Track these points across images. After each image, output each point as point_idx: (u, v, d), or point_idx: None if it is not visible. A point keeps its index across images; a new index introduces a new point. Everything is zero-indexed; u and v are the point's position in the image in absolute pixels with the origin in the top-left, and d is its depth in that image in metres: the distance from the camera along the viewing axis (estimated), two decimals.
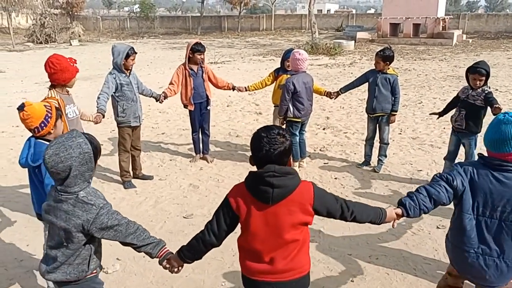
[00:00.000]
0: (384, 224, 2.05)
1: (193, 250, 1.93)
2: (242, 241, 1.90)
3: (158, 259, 2.00)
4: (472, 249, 2.10)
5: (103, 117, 4.19)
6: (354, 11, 41.96)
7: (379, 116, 5.00)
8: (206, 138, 5.56)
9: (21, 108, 2.52)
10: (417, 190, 2.12)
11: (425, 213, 2.09)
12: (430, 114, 5.28)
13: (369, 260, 3.32)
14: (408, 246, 3.52)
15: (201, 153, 5.62)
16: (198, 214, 4.12)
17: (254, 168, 1.84)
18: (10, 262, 3.34)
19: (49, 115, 2.57)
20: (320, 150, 5.96)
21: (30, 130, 2.58)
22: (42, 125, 2.54)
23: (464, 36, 24.85)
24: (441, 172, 4.72)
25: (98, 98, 4.31)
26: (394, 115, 4.98)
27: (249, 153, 6.43)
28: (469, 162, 2.23)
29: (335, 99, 5.36)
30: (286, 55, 5.14)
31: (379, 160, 5.16)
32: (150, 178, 5.01)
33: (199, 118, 5.41)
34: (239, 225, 1.89)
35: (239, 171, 5.23)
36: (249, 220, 1.80)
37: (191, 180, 4.99)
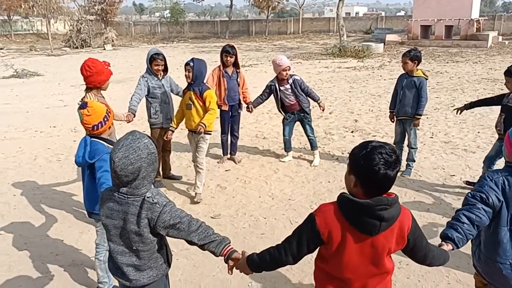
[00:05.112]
0: None
1: (264, 265, 1.81)
2: (328, 268, 1.73)
3: (223, 258, 1.93)
4: (508, 261, 2.06)
5: (134, 116, 4.40)
6: (383, 14, 41.25)
7: (404, 119, 4.93)
8: (234, 139, 5.63)
9: (83, 106, 2.61)
10: (457, 219, 2.02)
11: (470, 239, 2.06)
12: (454, 109, 4.86)
13: (400, 266, 3.24)
14: None
15: (228, 154, 5.68)
16: (225, 215, 4.17)
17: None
18: (46, 256, 3.49)
19: (108, 113, 2.69)
20: (349, 153, 5.89)
21: (88, 127, 2.62)
22: (102, 122, 2.63)
23: (500, 37, 23.94)
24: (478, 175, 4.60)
25: (131, 99, 4.51)
26: (418, 118, 4.86)
27: (275, 155, 6.33)
28: (497, 171, 2.12)
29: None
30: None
31: (408, 165, 5.06)
32: (179, 178, 5.11)
33: (229, 120, 5.48)
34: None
35: (266, 172, 5.25)
36: (343, 251, 1.63)
37: (218, 181, 5.05)
